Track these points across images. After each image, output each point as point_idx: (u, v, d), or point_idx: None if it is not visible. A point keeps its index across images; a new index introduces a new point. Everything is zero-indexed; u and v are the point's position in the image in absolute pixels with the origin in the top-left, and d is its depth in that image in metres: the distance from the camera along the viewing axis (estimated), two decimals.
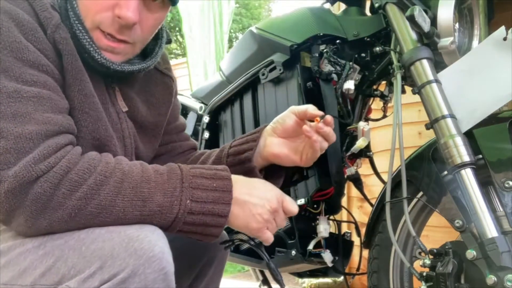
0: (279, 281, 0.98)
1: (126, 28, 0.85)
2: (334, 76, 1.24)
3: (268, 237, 0.88)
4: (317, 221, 1.29)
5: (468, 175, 0.95)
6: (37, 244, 0.75)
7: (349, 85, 1.21)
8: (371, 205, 1.27)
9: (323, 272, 1.49)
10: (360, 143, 1.15)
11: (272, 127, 1.02)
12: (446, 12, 1.07)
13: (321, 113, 0.97)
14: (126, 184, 0.76)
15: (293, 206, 0.90)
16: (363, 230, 1.32)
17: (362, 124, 1.17)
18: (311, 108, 0.97)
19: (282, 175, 1.07)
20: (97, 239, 0.73)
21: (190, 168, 0.84)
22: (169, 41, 1.04)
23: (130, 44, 0.89)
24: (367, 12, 1.36)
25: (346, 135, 1.26)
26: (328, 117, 0.96)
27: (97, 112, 0.87)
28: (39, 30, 0.80)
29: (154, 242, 0.72)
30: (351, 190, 2.40)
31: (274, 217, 0.87)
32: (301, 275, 1.56)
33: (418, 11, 1.02)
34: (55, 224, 0.73)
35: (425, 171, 1.09)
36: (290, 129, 1.00)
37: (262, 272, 1.85)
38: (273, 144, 1.01)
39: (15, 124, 0.73)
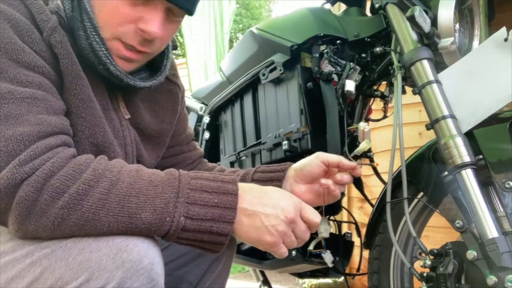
0: None
1: (148, 41, 0.86)
2: (335, 76, 1.24)
3: (283, 252, 0.81)
4: None
5: (468, 175, 0.95)
6: (25, 252, 0.73)
7: (350, 87, 1.21)
8: (372, 205, 1.27)
9: (323, 272, 1.49)
10: (363, 146, 1.14)
11: (297, 172, 1.01)
12: (446, 12, 1.07)
13: (354, 164, 0.98)
14: (112, 196, 0.71)
15: (314, 215, 0.83)
16: (363, 231, 1.31)
17: (362, 125, 1.17)
18: (344, 161, 0.98)
19: None
20: (84, 249, 0.69)
21: (191, 178, 0.76)
22: (174, 47, 1.03)
23: (147, 54, 0.89)
24: (368, 13, 1.36)
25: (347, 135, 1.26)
26: (358, 171, 0.99)
27: (94, 118, 0.85)
28: (35, 31, 0.78)
29: (144, 253, 0.68)
30: (351, 190, 2.40)
31: (292, 229, 0.81)
32: (301, 275, 1.56)
33: (418, 12, 1.02)
34: (41, 230, 0.71)
35: (425, 172, 1.08)
36: (316, 177, 1.00)
37: (262, 273, 1.85)
38: (301, 192, 1.00)
39: (7, 125, 0.71)
